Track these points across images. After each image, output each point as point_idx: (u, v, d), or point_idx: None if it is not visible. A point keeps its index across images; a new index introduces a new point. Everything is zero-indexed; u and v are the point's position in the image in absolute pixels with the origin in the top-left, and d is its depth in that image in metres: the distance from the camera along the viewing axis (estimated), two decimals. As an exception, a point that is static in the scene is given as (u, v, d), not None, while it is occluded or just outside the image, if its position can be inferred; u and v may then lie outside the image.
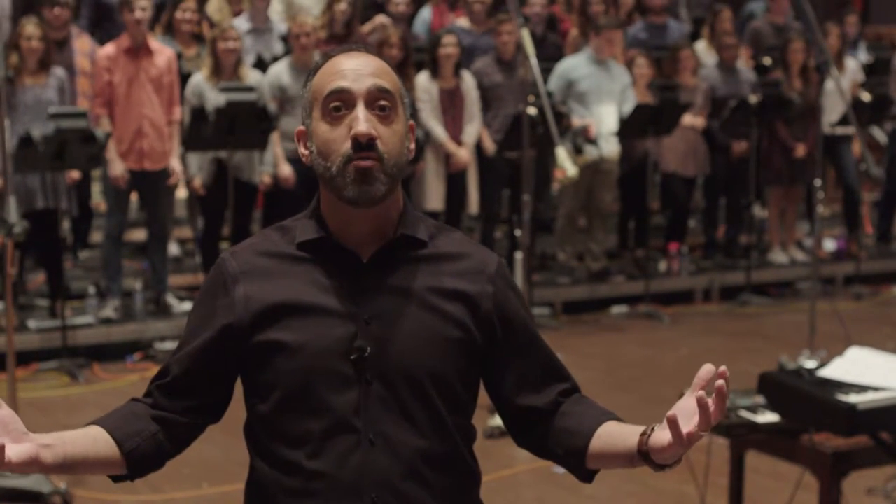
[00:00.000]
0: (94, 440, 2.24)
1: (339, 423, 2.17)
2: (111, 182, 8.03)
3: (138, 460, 2.31)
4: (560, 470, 6.25)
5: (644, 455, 2.17)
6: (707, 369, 2.06)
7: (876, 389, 4.15)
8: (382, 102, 2.20)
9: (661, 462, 2.15)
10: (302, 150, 2.30)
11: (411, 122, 2.29)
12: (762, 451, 4.56)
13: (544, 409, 2.39)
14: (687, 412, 2.06)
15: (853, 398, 4.07)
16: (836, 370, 4.30)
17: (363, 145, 2.15)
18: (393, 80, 2.24)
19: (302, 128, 2.29)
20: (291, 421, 2.19)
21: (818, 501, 4.38)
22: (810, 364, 4.46)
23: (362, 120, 2.16)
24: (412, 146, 2.30)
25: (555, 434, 2.38)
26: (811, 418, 4.25)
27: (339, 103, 2.18)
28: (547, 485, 5.89)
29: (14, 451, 2.06)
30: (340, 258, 2.24)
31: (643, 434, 2.16)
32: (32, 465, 2.11)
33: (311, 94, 2.25)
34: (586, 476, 2.46)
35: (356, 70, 2.20)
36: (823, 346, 6.92)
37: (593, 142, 8.98)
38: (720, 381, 2.01)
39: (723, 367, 2.05)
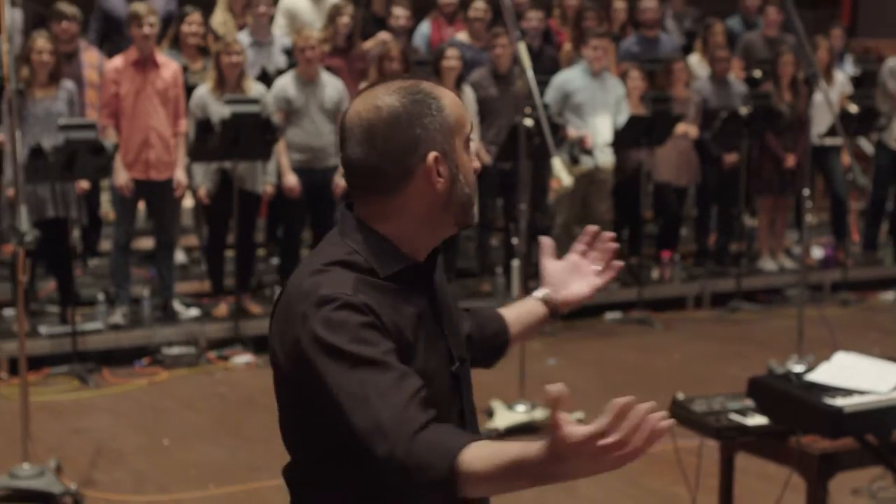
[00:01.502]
0: None
1: None
2: (117, 191, 8.06)
3: None
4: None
5: (553, 315, 2.75)
6: (588, 230, 2.62)
7: (862, 393, 4.17)
8: None
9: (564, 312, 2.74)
10: (437, 179, 2.21)
11: None
12: (751, 453, 4.58)
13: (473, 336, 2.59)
14: (577, 266, 2.74)
15: (840, 402, 4.09)
16: (823, 374, 4.32)
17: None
18: None
19: (438, 155, 2.21)
20: None
21: (805, 502, 4.41)
22: (798, 368, 4.49)
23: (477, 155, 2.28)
24: None
25: (482, 345, 2.63)
26: (799, 421, 4.27)
27: (469, 140, 2.28)
28: (545, 486, 5.90)
29: None
30: (417, 280, 2.28)
31: (546, 300, 2.74)
32: None
33: (452, 124, 2.23)
34: (493, 364, 2.75)
35: None
36: (811, 351, 6.98)
37: (589, 152, 9.02)
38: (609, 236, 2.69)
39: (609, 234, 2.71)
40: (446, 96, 2.25)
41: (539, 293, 2.72)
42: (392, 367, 2.06)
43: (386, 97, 2.21)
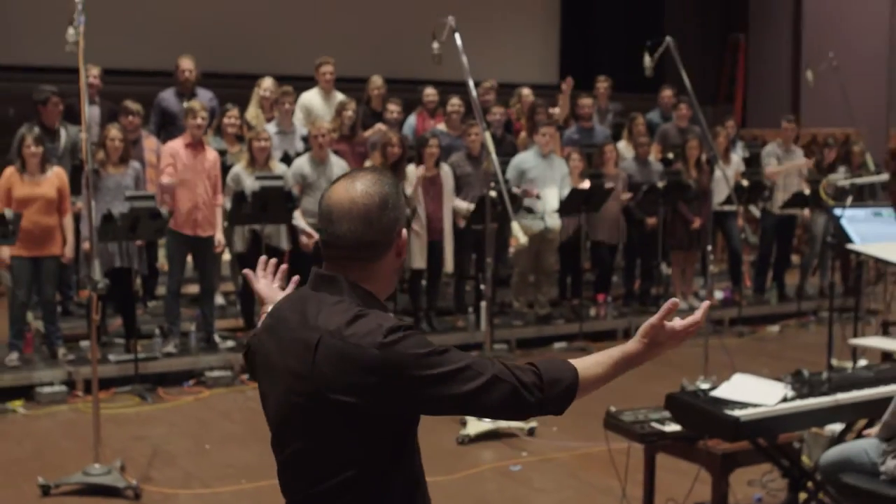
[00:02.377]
0: None
1: None
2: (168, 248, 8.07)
3: None
4: (515, 467, 6.28)
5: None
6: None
7: (754, 406, 4.19)
8: None
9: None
10: (397, 257, 2.29)
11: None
12: (669, 454, 4.58)
13: None
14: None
15: (737, 412, 4.10)
16: (724, 391, 4.33)
17: None
18: None
19: (406, 237, 2.31)
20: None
21: (711, 491, 4.41)
22: (705, 386, 4.50)
23: None
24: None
25: None
26: (705, 428, 4.28)
27: None
28: (504, 479, 5.88)
29: None
30: None
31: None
32: None
33: (405, 214, 2.33)
34: None
35: None
36: (714, 373, 6.99)
37: (537, 197, 9.06)
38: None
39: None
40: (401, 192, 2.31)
41: None
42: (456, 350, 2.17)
43: (374, 186, 2.22)
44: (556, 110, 10.56)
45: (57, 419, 7.09)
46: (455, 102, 9.71)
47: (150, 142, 8.70)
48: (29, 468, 5.96)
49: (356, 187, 2.21)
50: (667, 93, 11.42)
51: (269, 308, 2.50)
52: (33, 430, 6.85)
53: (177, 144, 8.07)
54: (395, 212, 2.23)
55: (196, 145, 8.04)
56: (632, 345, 2.31)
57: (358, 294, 2.21)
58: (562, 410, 2.23)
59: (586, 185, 9.30)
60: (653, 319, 2.30)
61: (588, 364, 2.26)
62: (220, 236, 8.18)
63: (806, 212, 10.80)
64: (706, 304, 2.39)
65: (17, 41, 12.14)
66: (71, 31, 5.69)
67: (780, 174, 10.70)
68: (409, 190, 8.53)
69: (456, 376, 2.12)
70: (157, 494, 5.63)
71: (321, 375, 2.12)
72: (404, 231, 2.27)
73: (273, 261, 2.92)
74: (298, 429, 2.20)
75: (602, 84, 11.44)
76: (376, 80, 10.13)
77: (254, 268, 2.79)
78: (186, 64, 9.50)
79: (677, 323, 2.31)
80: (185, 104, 8.60)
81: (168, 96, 9.50)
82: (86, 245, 7.66)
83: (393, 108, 9.71)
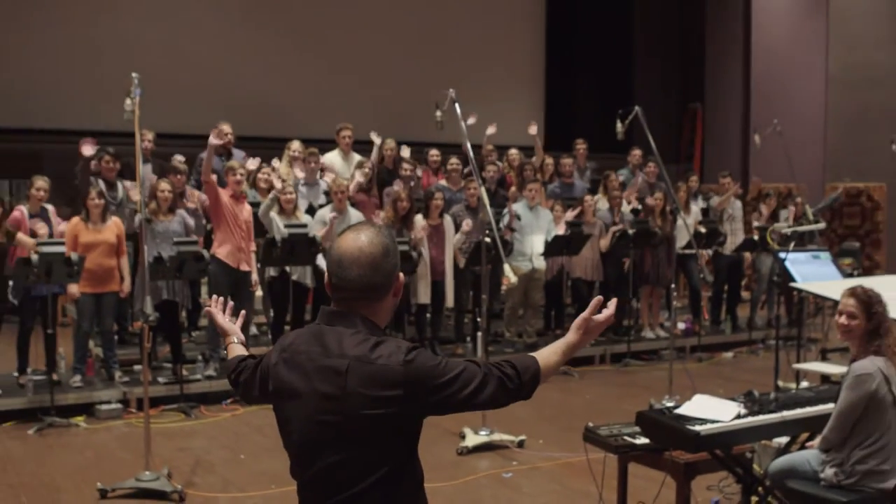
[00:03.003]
0: None
1: None
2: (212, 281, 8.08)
3: None
4: (507, 475, 6.23)
5: None
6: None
7: (712, 422, 4.18)
8: None
9: None
10: (394, 298, 2.35)
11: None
12: (639, 463, 4.56)
13: None
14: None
15: (697, 428, 4.09)
16: (686, 409, 4.32)
17: None
18: None
19: (401, 281, 2.37)
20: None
21: (675, 495, 4.39)
22: (669, 405, 4.48)
23: None
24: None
25: None
26: (670, 441, 4.27)
27: None
28: (498, 485, 5.85)
29: None
30: None
31: None
32: None
33: (398, 262, 2.36)
34: None
35: None
36: (678, 393, 6.98)
37: (518, 217, 9.08)
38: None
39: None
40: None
41: None
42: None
43: (377, 237, 2.28)
44: (535, 158, 10.59)
45: (113, 432, 7.07)
46: (454, 162, 9.76)
47: (191, 193, 8.73)
48: (89, 475, 5.94)
49: (362, 238, 2.27)
50: (635, 152, 11.48)
51: (235, 339, 2.82)
52: (93, 441, 6.83)
53: (223, 192, 8.12)
54: (395, 259, 2.31)
55: (237, 197, 8.08)
56: (571, 336, 2.46)
57: (368, 326, 2.27)
58: (531, 394, 2.36)
59: (567, 232, 9.32)
60: (584, 314, 2.46)
61: (545, 354, 2.40)
62: (255, 276, 8.20)
63: (748, 255, 10.88)
64: (614, 301, 2.50)
65: (84, 109, 12.24)
66: (128, 101, 5.75)
67: (722, 204, 10.83)
68: (417, 235, 8.56)
69: (459, 379, 2.22)
70: (199, 498, 5.60)
71: (354, 395, 2.18)
72: (401, 275, 2.35)
73: (226, 301, 3.10)
74: (331, 444, 2.23)
75: (580, 146, 11.50)
76: (390, 143, 10.19)
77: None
78: (227, 128, 9.57)
79: (599, 317, 2.46)
80: (225, 163, 8.66)
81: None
82: (126, 286, 7.70)
83: (407, 166, 9.77)
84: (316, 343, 2.27)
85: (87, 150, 8.24)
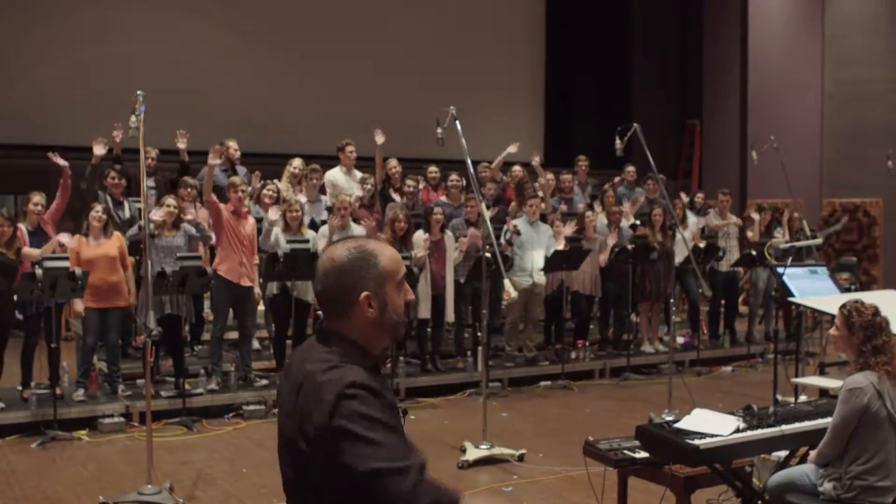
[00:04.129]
0: None
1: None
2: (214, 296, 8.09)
3: None
4: (507, 489, 6.19)
5: None
6: None
7: (712, 436, 4.16)
8: None
9: None
10: (368, 310, 2.16)
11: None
12: (639, 477, 4.54)
13: None
14: None
15: (697, 442, 4.07)
16: (685, 423, 4.30)
17: (408, 305, 2.26)
18: None
19: (369, 294, 2.16)
20: None
21: (675, 509, 4.36)
22: (669, 419, 4.46)
23: (409, 290, 2.25)
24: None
25: None
26: (670, 455, 4.24)
27: (402, 281, 2.23)
28: (499, 500, 5.83)
29: None
30: (378, 370, 2.22)
31: None
32: None
33: (384, 274, 2.19)
34: None
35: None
36: (677, 407, 6.94)
37: (518, 233, 9.07)
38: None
39: None
40: (384, 254, 2.20)
41: None
42: (404, 435, 2.02)
43: (339, 253, 2.20)
44: (542, 179, 10.57)
45: (116, 446, 7.04)
46: (454, 178, 9.77)
47: (185, 208, 8.71)
48: (92, 488, 5.92)
49: (335, 252, 2.22)
50: (629, 168, 11.49)
51: None
52: (96, 455, 6.80)
53: (224, 209, 8.14)
54: (353, 277, 2.17)
55: (239, 212, 8.09)
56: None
57: (344, 346, 2.14)
58: None
59: (567, 247, 9.32)
60: None
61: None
62: (258, 289, 8.21)
63: (741, 270, 10.89)
64: None
65: (89, 126, 12.24)
66: (133, 118, 5.75)
67: (720, 227, 10.82)
68: (419, 253, 8.55)
69: (379, 450, 1.94)
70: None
71: (301, 413, 2.06)
72: (365, 293, 2.15)
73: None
74: (287, 461, 2.15)
75: (582, 163, 11.55)
76: (392, 161, 10.20)
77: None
78: (232, 144, 9.59)
79: None
80: (228, 179, 8.67)
81: (216, 172, 9.54)
82: (133, 298, 7.71)
83: (410, 183, 9.79)
84: (300, 357, 2.21)
85: (99, 149, 8.26)
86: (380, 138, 9.58)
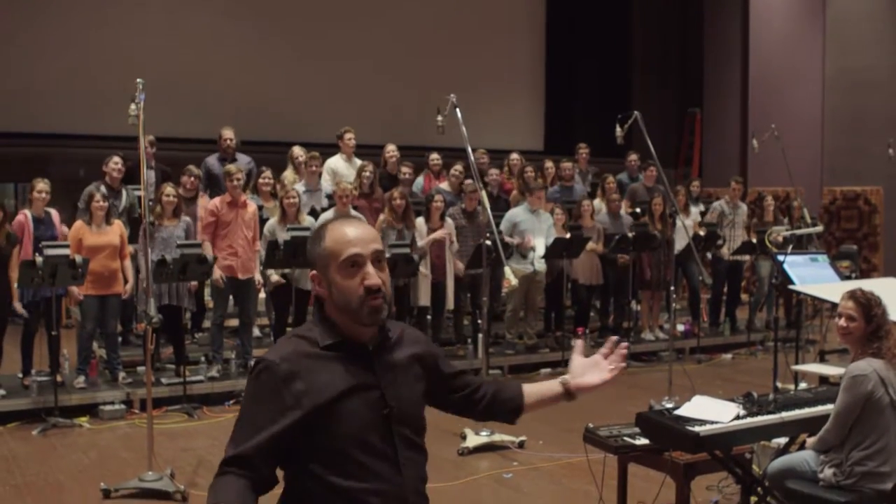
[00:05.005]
0: None
1: (384, 455, 2.12)
2: (214, 283, 8.08)
3: None
4: (508, 475, 6.20)
5: (568, 394, 2.47)
6: (611, 340, 2.38)
7: (711, 423, 4.16)
8: (380, 258, 2.17)
9: (578, 395, 2.46)
10: (318, 288, 2.18)
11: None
12: (639, 463, 4.54)
13: (480, 397, 2.46)
14: (594, 363, 2.47)
15: (697, 428, 4.07)
16: (685, 410, 4.30)
17: (374, 291, 2.13)
18: (380, 241, 2.23)
19: (316, 273, 2.19)
20: (352, 460, 2.09)
21: (675, 495, 4.37)
22: (669, 406, 4.46)
23: (372, 274, 2.14)
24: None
25: (498, 403, 2.47)
26: (670, 442, 4.24)
27: (354, 263, 2.14)
28: (498, 486, 5.84)
29: None
30: (355, 351, 2.16)
31: (564, 384, 2.47)
32: None
33: (328, 253, 2.15)
34: (514, 420, 2.52)
35: (362, 238, 2.16)
36: (677, 394, 6.95)
37: (533, 248, 9.05)
38: (624, 346, 2.41)
39: (625, 343, 2.40)
40: (331, 235, 2.17)
41: (562, 378, 2.50)
42: (261, 418, 2.06)
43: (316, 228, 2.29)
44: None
45: (117, 433, 7.05)
46: (458, 168, 9.76)
47: (203, 200, 8.73)
48: (93, 475, 5.93)
49: None
50: (632, 157, 11.48)
51: None
52: (97, 442, 6.81)
53: (218, 201, 8.13)
54: (309, 254, 2.22)
55: (236, 202, 8.08)
56: None
57: (321, 318, 2.19)
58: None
59: (567, 235, 9.31)
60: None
61: None
62: (258, 277, 8.21)
63: (747, 257, 10.84)
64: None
65: (88, 114, 12.24)
66: (133, 106, 5.74)
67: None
68: (420, 242, 8.55)
69: (234, 428, 2.10)
70: (202, 498, 5.57)
71: None
72: (312, 272, 2.20)
73: (622, 344, 2.63)
74: None
75: (583, 150, 11.54)
76: (390, 147, 10.20)
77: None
78: (227, 133, 9.58)
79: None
80: (217, 168, 8.66)
81: (212, 161, 9.56)
82: (129, 288, 7.70)
83: (406, 170, 9.79)
84: None
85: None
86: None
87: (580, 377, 2.46)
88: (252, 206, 8.24)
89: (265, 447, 2.06)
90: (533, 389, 2.48)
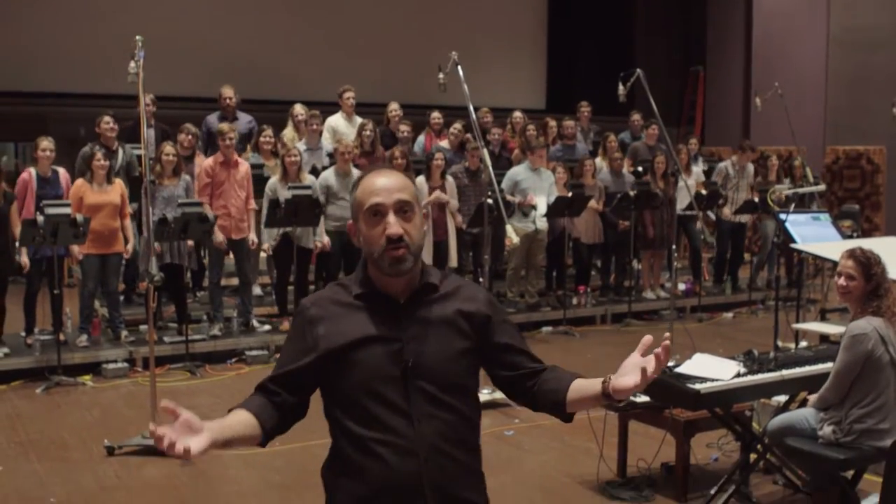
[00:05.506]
0: (245, 423, 2.14)
1: (396, 408, 2.11)
2: (217, 247, 8.08)
3: (270, 434, 2.17)
4: (509, 433, 6.23)
5: (606, 396, 2.16)
6: (648, 338, 2.09)
7: (712, 380, 4.17)
8: (405, 208, 2.15)
9: (618, 399, 2.16)
10: (355, 238, 2.23)
11: (424, 210, 2.30)
12: (639, 421, 4.57)
13: (530, 380, 2.31)
14: (634, 364, 2.09)
15: (697, 386, 4.09)
16: (686, 368, 4.32)
17: (394, 241, 2.12)
18: (411, 190, 2.19)
19: (351, 223, 2.24)
20: (364, 409, 2.12)
21: (675, 452, 4.39)
22: (670, 364, 4.48)
23: (393, 224, 2.12)
24: (425, 227, 2.31)
25: (542, 394, 2.27)
26: (671, 399, 4.27)
27: (377, 213, 2.15)
28: (500, 443, 5.86)
29: (196, 446, 1.94)
30: (385, 303, 2.18)
31: (604, 382, 2.14)
32: (208, 451, 1.97)
33: (357, 203, 2.19)
34: (567, 418, 2.29)
35: (387, 188, 2.15)
36: (678, 353, 6.95)
37: (534, 206, 9.04)
38: (666, 342, 2.04)
39: (666, 341, 2.04)
40: (360, 185, 2.20)
41: (607, 376, 2.21)
42: (287, 355, 2.21)
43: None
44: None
45: (120, 391, 7.09)
46: (457, 125, 9.69)
47: (200, 158, 8.69)
48: (96, 432, 5.97)
49: None
50: (635, 116, 11.42)
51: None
52: (100, 400, 6.85)
53: (211, 161, 8.09)
54: (352, 200, 2.24)
55: (228, 162, 8.04)
56: None
57: (359, 269, 2.25)
58: None
59: (568, 193, 9.28)
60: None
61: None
62: (252, 236, 8.19)
63: (747, 217, 10.77)
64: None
65: (87, 72, 12.15)
66: (132, 64, 5.68)
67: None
68: (423, 201, 8.53)
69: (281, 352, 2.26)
70: (204, 454, 5.61)
71: None
72: (349, 221, 2.26)
73: (664, 343, 2.12)
74: None
75: (585, 109, 11.46)
76: (393, 105, 10.14)
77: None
78: (227, 92, 9.51)
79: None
80: (217, 127, 8.61)
81: (213, 120, 9.50)
82: (130, 247, 7.70)
83: (405, 129, 9.74)
84: None
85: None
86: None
87: (622, 376, 2.15)
88: (245, 166, 8.20)
89: (285, 381, 2.19)
90: (578, 385, 2.26)
